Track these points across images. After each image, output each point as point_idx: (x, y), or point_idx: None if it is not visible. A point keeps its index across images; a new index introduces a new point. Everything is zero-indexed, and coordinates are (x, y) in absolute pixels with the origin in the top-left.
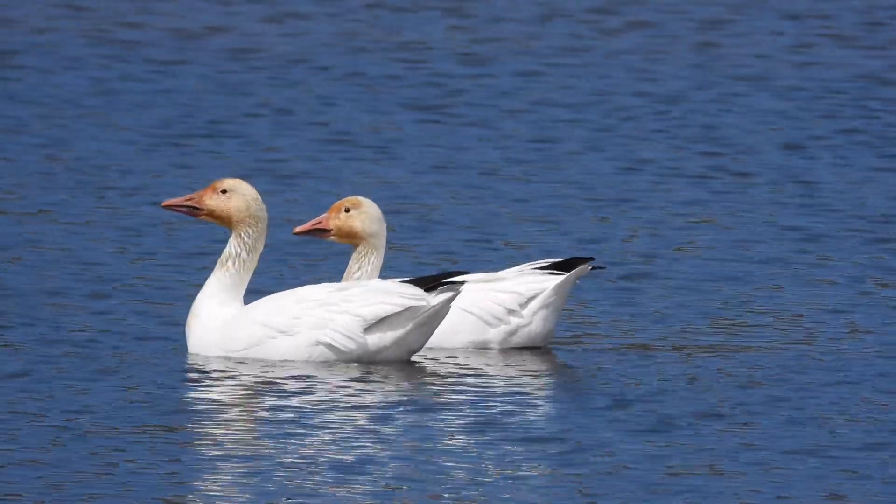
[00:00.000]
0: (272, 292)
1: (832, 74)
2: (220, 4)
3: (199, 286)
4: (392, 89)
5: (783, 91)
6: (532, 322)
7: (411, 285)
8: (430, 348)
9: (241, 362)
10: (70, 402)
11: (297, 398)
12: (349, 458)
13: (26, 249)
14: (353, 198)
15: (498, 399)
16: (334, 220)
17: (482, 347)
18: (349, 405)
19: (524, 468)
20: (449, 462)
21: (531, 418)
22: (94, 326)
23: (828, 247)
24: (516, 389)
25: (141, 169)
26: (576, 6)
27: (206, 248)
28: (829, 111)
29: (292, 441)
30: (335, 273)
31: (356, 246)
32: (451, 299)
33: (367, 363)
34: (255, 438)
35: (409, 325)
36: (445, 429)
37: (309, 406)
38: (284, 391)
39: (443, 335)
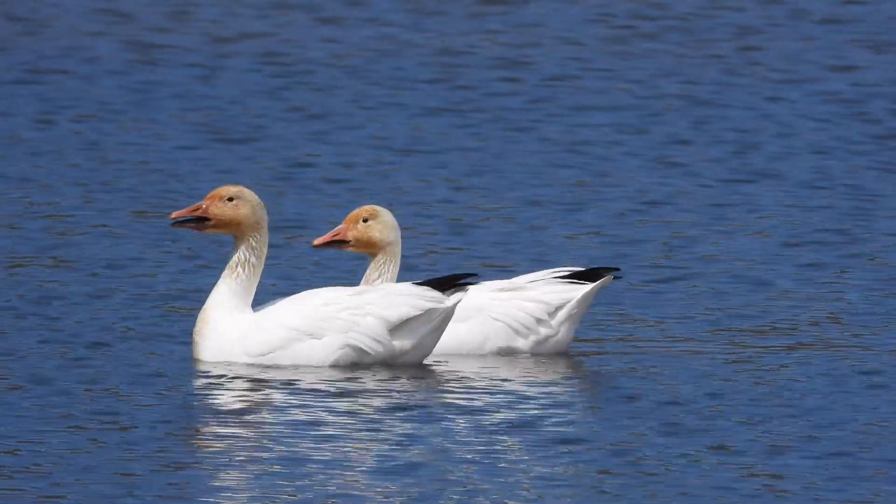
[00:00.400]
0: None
1: (867, 77)
2: (257, 8)
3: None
4: (426, 93)
5: (819, 95)
6: (559, 332)
7: (428, 287)
8: (460, 355)
9: (261, 367)
10: (87, 406)
11: (322, 401)
12: (377, 459)
13: (64, 251)
14: (370, 207)
15: (525, 403)
16: (352, 231)
17: (510, 355)
18: (374, 408)
19: (552, 470)
20: (477, 464)
21: (560, 421)
22: (108, 328)
23: (861, 248)
24: (543, 392)
25: (179, 172)
26: (617, 9)
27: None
28: (864, 116)
29: (323, 443)
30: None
31: (373, 255)
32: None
33: (388, 366)
34: (292, 440)
35: (428, 327)
36: (473, 431)
37: (335, 409)
38: (309, 394)
39: (473, 343)
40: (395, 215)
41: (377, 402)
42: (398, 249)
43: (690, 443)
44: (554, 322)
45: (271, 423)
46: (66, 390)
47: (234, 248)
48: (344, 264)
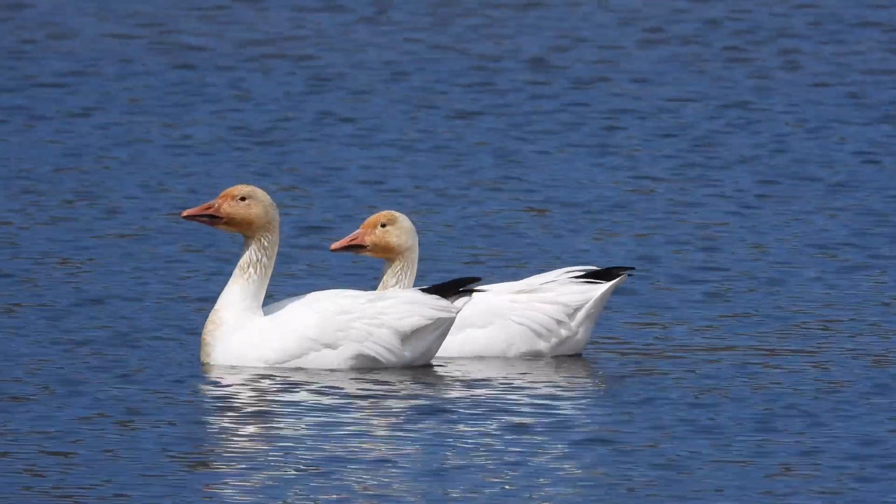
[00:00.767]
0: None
1: None
2: (291, 11)
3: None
4: (463, 98)
5: (857, 101)
6: (578, 332)
7: (435, 295)
8: (482, 358)
9: (278, 367)
10: (96, 408)
11: (346, 403)
12: (406, 460)
13: (97, 251)
14: (388, 212)
15: (549, 403)
16: (370, 235)
17: (533, 358)
18: (399, 410)
19: (581, 471)
20: (506, 464)
21: (586, 422)
22: (123, 331)
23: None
24: (567, 393)
25: (207, 173)
26: (654, 12)
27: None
28: None
29: (350, 443)
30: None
31: (390, 260)
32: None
33: (408, 369)
34: (320, 441)
35: (436, 334)
36: (498, 433)
37: (355, 410)
38: (333, 396)
39: (497, 347)
40: (419, 219)
41: (401, 403)
42: (415, 255)
43: (717, 443)
44: (573, 323)
45: (298, 424)
46: (97, 389)
47: (245, 248)
48: (346, 266)
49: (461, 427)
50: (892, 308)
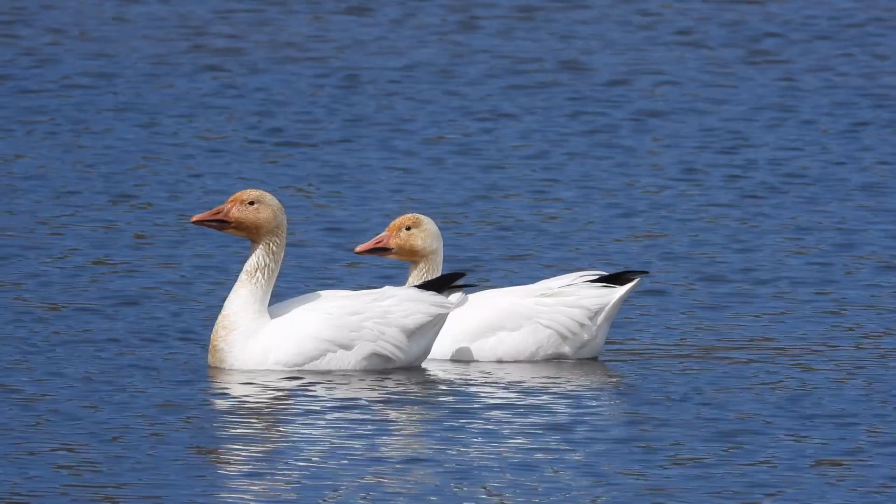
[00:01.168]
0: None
1: None
2: (321, 13)
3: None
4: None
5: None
6: (598, 335)
7: (431, 292)
8: (508, 362)
9: (294, 368)
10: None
11: (366, 404)
12: (424, 458)
13: (125, 250)
14: (413, 215)
15: (568, 404)
16: (395, 238)
17: (557, 360)
18: (415, 411)
19: (602, 469)
20: (525, 464)
21: (599, 422)
22: (130, 333)
23: None
24: (586, 394)
25: (232, 174)
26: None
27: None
28: None
29: (370, 443)
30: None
31: (415, 263)
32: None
33: (416, 370)
34: (341, 441)
35: (434, 330)
36: (517, 433)
37: (374, 410)
38: (352, 398)
39: (528, 350)
40: (442, 222)
41: (422, 404)
42: (440, 258)
43: (737, 442)
44: (594, 326)
45: (321, 424)
46: (119, 389)
47: (252, 252)
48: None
49: (481, 426)
50: None
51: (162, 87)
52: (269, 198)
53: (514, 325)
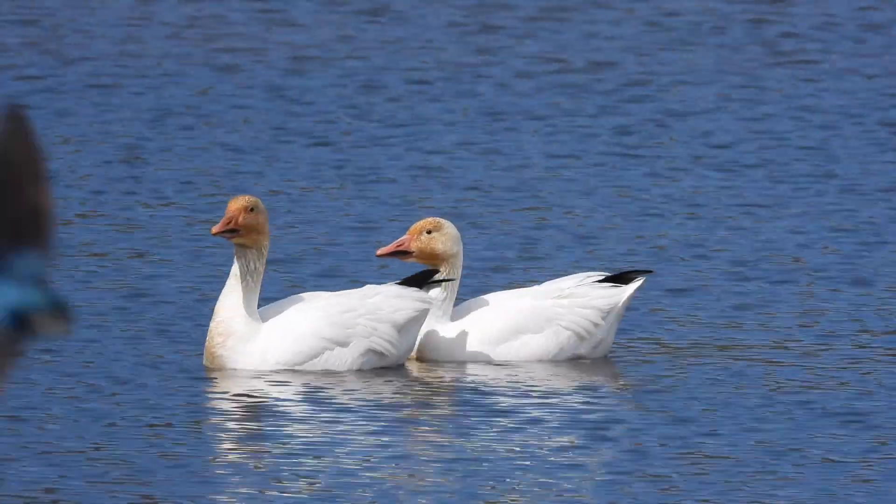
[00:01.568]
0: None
1: None
2: (340, 15)
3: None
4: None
5: None
6: (609, 335)
7: (413, 288)
8: (526, 362)
9: (292, 372)
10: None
11: (370, 403)
12: (436, 457)
13: (159, 250)
14: (433, 219)
15: (578, 404)
16: (416, 242)
17: (574, 360)
18: (421, 410)
19: (615, 468)
20: (537, 463)
21: (610, 421)
22: (139, 333)
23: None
24: (597, 394)
25: (265, 172)
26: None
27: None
28: None
29: (378, 442)
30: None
31: (436, 266)
32: None
33: (395, 369)
34: (350, 440)
35: (417, 326)
36: (528, 433)
37: (381, 410)
38: (356, 398)
39: (551, 351)
40: (463, 226)
41: (429, 403)
42: (460, 261)
43: (743, 441)
44: (606, 326)
45: (328, 425)
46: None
47: (239, 257)
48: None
49: (489, 425)
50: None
51: (181, 87)
52: (260, 202)
53: (537, 327)
